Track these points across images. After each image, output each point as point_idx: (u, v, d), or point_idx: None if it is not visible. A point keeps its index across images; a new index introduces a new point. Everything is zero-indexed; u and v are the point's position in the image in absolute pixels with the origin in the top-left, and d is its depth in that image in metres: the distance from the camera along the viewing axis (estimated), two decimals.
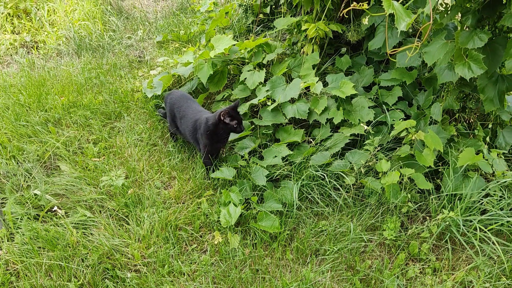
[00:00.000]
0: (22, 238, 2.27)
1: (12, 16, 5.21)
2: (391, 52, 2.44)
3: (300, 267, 2.24)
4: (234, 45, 3.31)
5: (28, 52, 4.76)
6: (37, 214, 2.48)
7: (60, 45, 4.77)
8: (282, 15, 3.83)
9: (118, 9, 5.61)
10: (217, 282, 2.15)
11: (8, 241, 2.30)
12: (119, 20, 5.31)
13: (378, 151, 2.64)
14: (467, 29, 2.32)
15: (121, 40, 4.91)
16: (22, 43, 4.87)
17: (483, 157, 2.46)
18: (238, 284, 2.14)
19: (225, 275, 2.17)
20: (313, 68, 3.12)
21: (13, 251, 2.20)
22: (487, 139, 2.64)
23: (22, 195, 2.60)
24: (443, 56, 2.28)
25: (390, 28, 2.83)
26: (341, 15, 2.94)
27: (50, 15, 5.32)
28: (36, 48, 4.79)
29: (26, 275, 2.12)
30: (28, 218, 2.43)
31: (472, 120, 2.82)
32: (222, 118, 2.52)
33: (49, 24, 5.17)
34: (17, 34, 5.03)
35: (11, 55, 4.64)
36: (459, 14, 2.41)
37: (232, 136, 2.87)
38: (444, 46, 2.30)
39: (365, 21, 2.21)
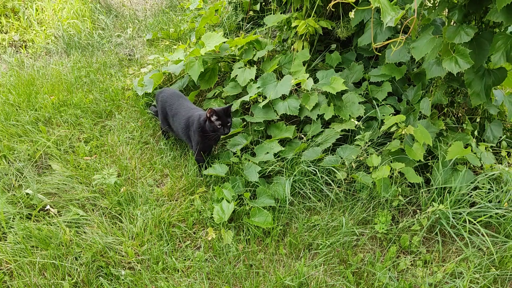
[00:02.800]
0: (14, 237, 2.27)
1: (0, 15, 5.16)
2: (377, 46, 2.46)
3: (293, 262, 2.26)
4: (224, 42, 3.32)
5: (16, 51, 4.71)
6: (29, 213, 2.47)
7: (49, 44, 4.73)
8: (272, 12, 3.84)
9: (107, 7, 5.57)
10: (211, 278, 2.16)
11: (0, 240, 2.29)
12: (108, 18, 5.28)
13: (368, 146, 2.67)
14: (454, 24, 2.35)
15: (111, 38, 4.88)
16: (11, 42, 4.83)
17: (472, 151, 2.50)
18: (232, 279, 2.16)
19: (219, 271, 2.19)
20: (304, 65, 3.14)
21: (6, 251, 2.19)
22: (475, 133, 2.68)
23: (14, 194, 2.58)
24: (431, 51, 2.31)
25: (379, 25, 2.85)
26: (329, 10, 2.96)
27: (39, 14, 5.27)
28: (25, 47, 4.74)
29: (20, 274, 2.11)
30: (20, 217, 2.42)
31: (461, 114, 2.86)
32: (208, 115, 2.54)
33: (38, 23, 5.12)
34: (5, 33, 4.98)
35: None
36: (446, 10, 2.44)
37: None
38: (431, 41, 2.33)
39: (352, 14, 2.23)
